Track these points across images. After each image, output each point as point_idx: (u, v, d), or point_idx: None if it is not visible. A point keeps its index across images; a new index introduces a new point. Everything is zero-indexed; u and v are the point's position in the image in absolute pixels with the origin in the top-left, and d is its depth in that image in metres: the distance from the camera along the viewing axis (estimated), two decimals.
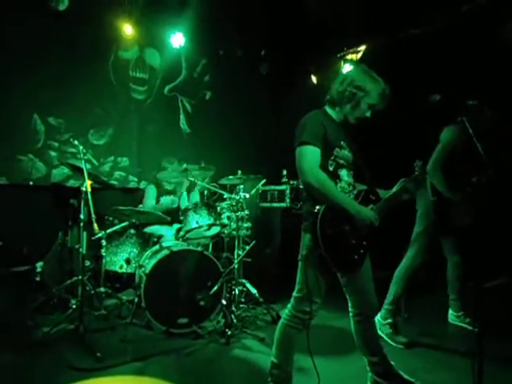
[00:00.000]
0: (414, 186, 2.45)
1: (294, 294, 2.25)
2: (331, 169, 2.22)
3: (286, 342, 2.27)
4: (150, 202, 4.35)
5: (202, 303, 3.41)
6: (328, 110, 2.36)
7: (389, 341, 3.11)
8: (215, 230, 3.96)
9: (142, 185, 5.33)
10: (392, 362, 2.42)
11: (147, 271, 3.35)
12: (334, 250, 2.11)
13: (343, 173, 2.27)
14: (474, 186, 3.31)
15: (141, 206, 4.33)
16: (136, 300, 3.39)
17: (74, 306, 3.31)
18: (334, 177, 2.22)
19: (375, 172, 2.47)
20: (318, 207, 2.12)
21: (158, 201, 4.42)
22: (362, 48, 5.96)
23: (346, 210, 2.11)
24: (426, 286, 4.58)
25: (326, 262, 2.11)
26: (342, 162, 2.25)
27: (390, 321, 3.23)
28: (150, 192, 4.43)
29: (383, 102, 2.30)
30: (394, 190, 2.41)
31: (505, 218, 4.11)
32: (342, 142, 2.26)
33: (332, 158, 2.22)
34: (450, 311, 3.64)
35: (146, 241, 4.20)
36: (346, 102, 2.28)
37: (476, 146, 2.25)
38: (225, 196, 4.01)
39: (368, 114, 2.32)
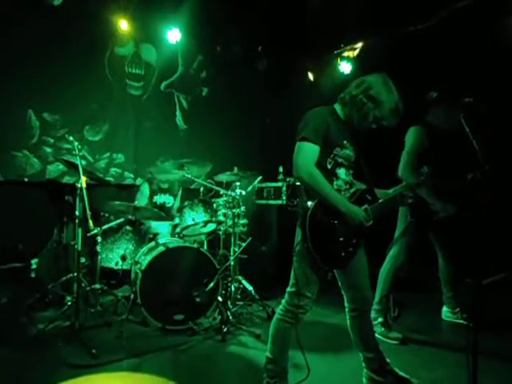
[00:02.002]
0: (411, 193, 2.43)
1: (288, 288, 2.28)
2: (329, 167, 2.22)
3: (280, 336, 2.28)
4: (141, 200, 4.33)
5: (197, 300, 3.41)
6: (337, 108, 2.35)
7: (383, 339, 3.12)
8: (211, 226, 3.95)
9: (138, 181, 5.31)
10: (387, 359, 2.43)
11: (143, 268, 3.34)
12: (321, 245, 2.13)
13: (341, 171, 2.26)
14: (469, 183, 3.33)
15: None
16: (132, 296, 3.39)
17: (70, 303, 3.30)
18: (331, 175, 2.22)
19: (374, 171, 2.46)
20: (309, 202, 2.14)
21: (151, 199, 4.40)
22: (359, 45, 5.96)
23: (335, 207, 2.11)
24: (416, 282, 4.61)
25: (313, 256, 2.12)
26: (341, 160, 2.25)
27: (380, 320, 3.24)
28: (143, 190, 4.42)
29: (393, 118, 2.26)
30: (392, 192, 2.41)
31: (502, 214, 4.13)
32: (344, 142, 2.25)
33: (331, 156, 2.22)
34: (445, 308, 3.65)
35: (142, 237, 4.19)
36: (354, 109, 2.26)
37: (472, 142, 2.25)
38: (221, 193, 4.00)
39: (374, 126, 2.29)
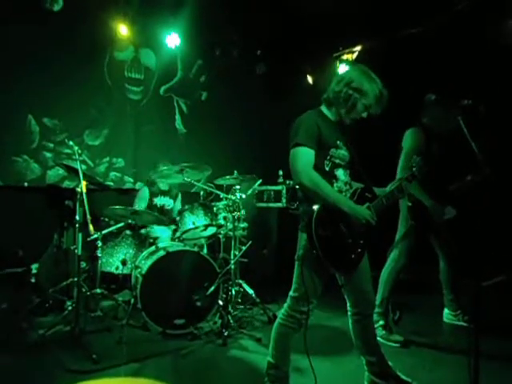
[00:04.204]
0: (409, 185, 2.44)
1: (291, 293, 2.25)
2: (327, 169, 2.22)
3: (282, 341, 2.27)
4: (140, 204, 4.33)
5: (198, 304, 3.40)
6: (324, 109, 2.36)
7: (384, 342, 3.10)
8: (211, 230, 3.95)
9: (138, 186, 5.32)
10: (390, 363, 2.42)
11: (143, 272, 3.34)
12: (330, 250, 2.10)
13: (340, 172, 2.27)
14: (468, 184, 3.35)
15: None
16: (132, 301, 3.38)
17: (70, 308, 3.30)
18: (331, 177, 2.22)
19: (372, 171, 2.46)
20: (313, 207, 2.12)
21: (151, 202, 4.40)
22: (358, 48, 5.99)
23: (340, 208, 2.11)
24: (417, 285, 4.60)
25: (323, 262, 2.10)
26: (338, 161, 2.25)
27: (381, 323, 3.24)
28: (142, 194, 4.42)
29: (380, 103, 2.28)
30: (389, 188, 2.41)
31: (502, 216, 4.13)
32: (338, 142, 2.26)
33: (328, 158, 2.22)
34: (446, 310, 3.65)
35: (142, 242, 4.18)
36: (341, 103, 2.27)
37: (470, 144, 2.25)
38: (221, 196, 4.01)
39: (364, 115, 2.30)
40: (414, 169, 2.40)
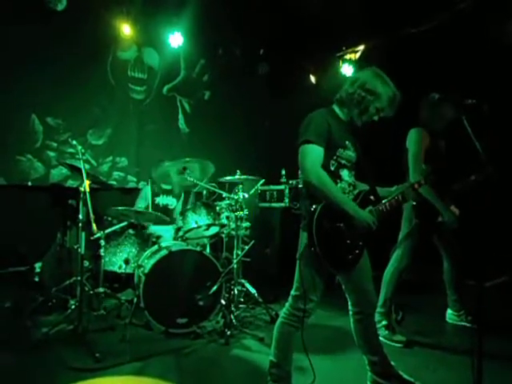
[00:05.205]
0: (413, 193, 2.41)
1: (292, 292, 2.26)
2: (332, 168, 2.22)
3: (284, 340, 2.27)
4: (140, 203, 4.34)
5: (201, 303, 3.41)
6: (336, 108, 2.35)
7: (387, 342, 3.10)
8: (214, 229, 3.95)
9: (141, 185, 5.33)
10: (392, 362, 2.42)
11: (146, 271, 3.34)
12: (328, 248, 2.11)
13: (344, 173, 2.26)
14: (472, 184, 3.33)
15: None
16: (135, 300, 3.39)
17: (73, 307, 3.31)
18: (335, 177, 2.22)
19: (377, 171, 2.46)
20: (314, 206, 2.12)
21: (153, 201, 4.40)
22: (361, 48, 5.97)
23: (344, 210, 2.11)
24: (420, 285, 4.60)
25: (321, 261, 2.11)
26: (344, 162, 2.25)
27: (384, 323, 3.23)
28: (143, 193, 4.42)
29: (393, 107, 2.28)
30: (394, 191, 2.40)
31: (505, 216, 4.11)
32: (346, 142, 2.25)
33: (334, 157, 2.22)
34: (449, 311, 3.64)
35: (145, 241, 4.19)
36: (354, 105, 2.26)
37: (474, 144, 2.25)
38: (224, 196, 4.01)
39: (376, 118, 2.30)
40: (422, 176, 2.39)
